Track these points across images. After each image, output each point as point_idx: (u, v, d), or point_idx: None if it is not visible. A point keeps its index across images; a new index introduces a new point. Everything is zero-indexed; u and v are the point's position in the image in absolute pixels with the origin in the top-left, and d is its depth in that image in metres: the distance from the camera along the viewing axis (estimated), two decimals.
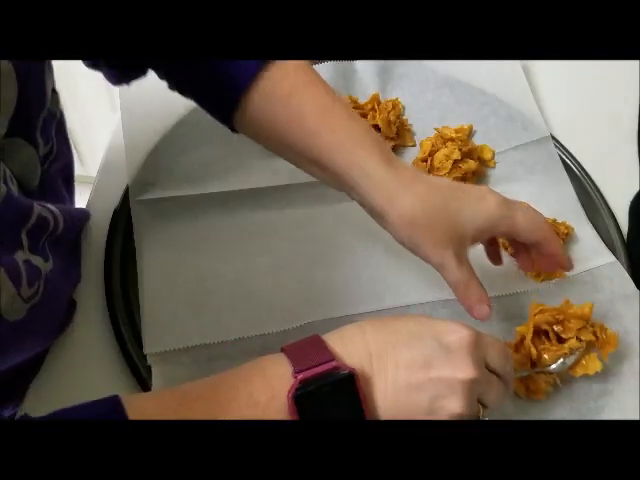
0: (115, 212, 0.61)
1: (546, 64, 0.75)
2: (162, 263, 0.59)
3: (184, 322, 0.56)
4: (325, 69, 0.70)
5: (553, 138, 0.68)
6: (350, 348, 0.41)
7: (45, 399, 0.53)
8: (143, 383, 0.53)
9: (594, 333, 0.53)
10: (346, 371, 0.39)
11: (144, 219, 0.61)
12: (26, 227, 0.42)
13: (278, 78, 0.48)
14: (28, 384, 0.53)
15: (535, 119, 0.69)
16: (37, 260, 0.43)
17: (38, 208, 0.44)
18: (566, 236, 0.61)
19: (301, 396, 0.38)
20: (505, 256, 0.57)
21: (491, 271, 0.55)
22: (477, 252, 0.54)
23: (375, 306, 0.58)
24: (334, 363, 0.39)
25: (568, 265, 0.54)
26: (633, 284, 0.59)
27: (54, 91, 0.50)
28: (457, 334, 0.41)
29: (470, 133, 0.69)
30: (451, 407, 0.40)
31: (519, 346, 0.53)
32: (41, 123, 0.45)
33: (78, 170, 0.64)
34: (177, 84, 0.52)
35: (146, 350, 0.54)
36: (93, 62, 0.51)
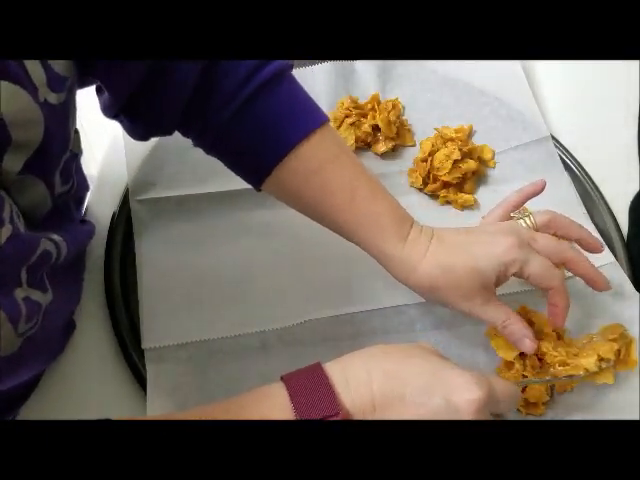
0: (115, 213, 0.61)
1: (546, 64, 0.75)
2: (161, 260, 0.59)
3: (183, 318, 0.56)
4: (325, 69, 0.70)
5: (553, 138, 0.68)
6: (355, 396, 0.39)
7: (46, 404, 0.53)
8: (143, 383, 0.53)
9: (618, 351, 0.51)
10: None
11: (144, 218, 0.61)
12: (28, 264, 0.40)
13: (310, 151, 0.49)
14: (28, 396, 0.53)
15: (535, 119, 0.69)
16: (36, 294, 0.41)
17: (43, 243, 0.42)
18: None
19: None
20: None
21: None
22: None
23: (374, 305, 0.58)
24: (339, 419, 0.38)
25: (560, 322, 0.51)
26: (632, 285, 0.59)
27: (76, 132, 0.49)
28: (469, 396, 0.40)
29: (470, 133, 0.69)
30: None
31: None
32: (62, 165, 0.44)
33: None
34: (210, 147, 0.51)
35: (144, 345, 0.54)
36: (115, 114, 0.50)
